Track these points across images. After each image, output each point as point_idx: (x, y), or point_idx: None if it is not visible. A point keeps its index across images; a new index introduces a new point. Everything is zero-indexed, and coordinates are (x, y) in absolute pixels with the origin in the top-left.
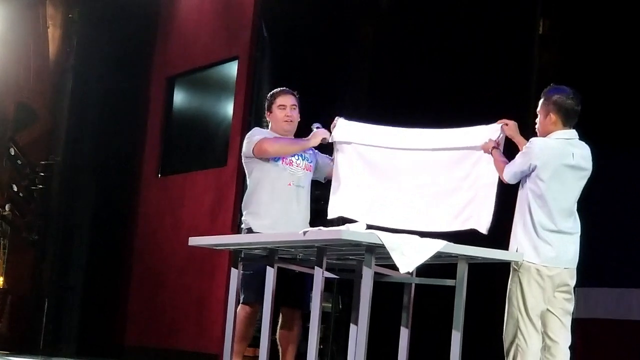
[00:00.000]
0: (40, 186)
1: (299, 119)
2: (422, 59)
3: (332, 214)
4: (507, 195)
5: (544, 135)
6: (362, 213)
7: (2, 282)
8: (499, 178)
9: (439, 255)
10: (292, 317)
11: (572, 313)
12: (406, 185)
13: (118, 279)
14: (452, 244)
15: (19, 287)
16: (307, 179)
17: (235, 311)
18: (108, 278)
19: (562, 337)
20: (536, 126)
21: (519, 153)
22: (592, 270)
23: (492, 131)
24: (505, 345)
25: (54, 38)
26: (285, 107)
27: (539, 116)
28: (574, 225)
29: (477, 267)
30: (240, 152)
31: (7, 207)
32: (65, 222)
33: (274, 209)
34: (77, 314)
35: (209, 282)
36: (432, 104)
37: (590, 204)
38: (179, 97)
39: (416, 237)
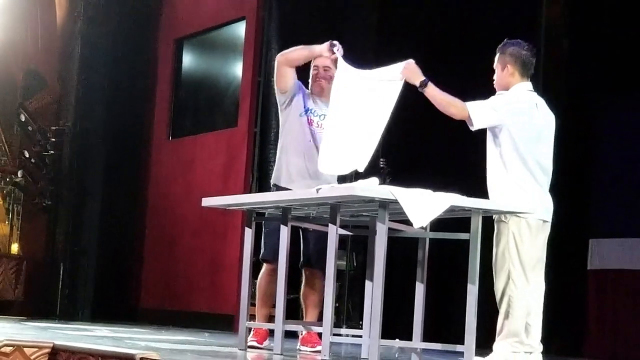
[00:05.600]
0: (52, 152)
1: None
2: (428, 14)
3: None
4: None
5: (503, 88)
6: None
7: (17, 249)
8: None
9: (452, 209)
10: (314, 276)
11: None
12: (332, 129)
13: (131, 243)
14: (465, 197)
15: (33, 253)
16: None
17: (249, 271)
18: (121, 242)
19: (538, 284)
20: (494, 81)
21: (486, 103)
22: (604, 221)
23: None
24: (497, 297)
25: (61, 3)
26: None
27: (496, 71)
28: (547, 177)
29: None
30: (250, 113)
31: (19, 174)
32: (77, 186)
33: (292, 163)
34: (92, 278)
35: (222, 243)
36: (438, 55)
37: (602, 155)
38: (188, 59)
39: (429, 191)
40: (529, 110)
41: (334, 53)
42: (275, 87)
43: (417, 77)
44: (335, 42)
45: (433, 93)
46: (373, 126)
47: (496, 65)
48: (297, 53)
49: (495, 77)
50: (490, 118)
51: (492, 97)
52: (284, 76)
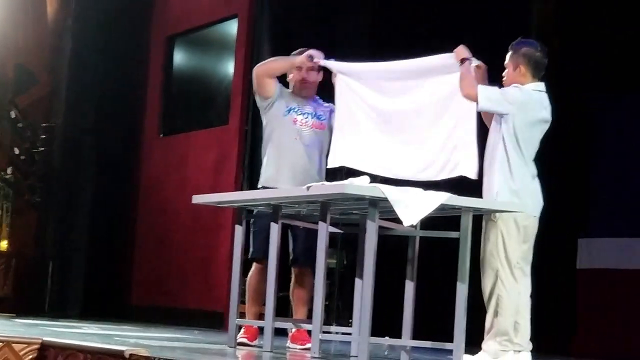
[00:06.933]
0: (42, 148)
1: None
2: (421, 14)
3: (331, 163)
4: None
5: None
6: (361, 161)
7: (6, 245)
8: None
9: (442, 207)
10: (303, 274)
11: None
12: (399, 130)
13: (122, 239)
14: (455, 196)
15: (23, 250)
16: (314, 137)
17: (240, 268)
18: (112, 238)
19: (525, 284)
20: (503, 79)
21: (499, 90)
22: (594, 221)
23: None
24: (485, 296)
25: None
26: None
27: (507, 69)
28: (535, 174)
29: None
30: (242, 111)
31: (9, 170)
32: (67, 183)
33: (279, 163)
34: (82, 275)
35: (213, 240)
36: (430, 54)
37: (591, 154)
38: (179, 57)
39: (419, 190)
40: (539, 107)
41: (313, 63)
42: (256, 95)
43: (464, 54)
44: (312, 52)
45: (463, 71)
46: (459, 129)
47: (507, 63)
48: (277, 64)
49: (505, 74)
50: (497, 103)
51: (506, 87)
52: (264, 86)
